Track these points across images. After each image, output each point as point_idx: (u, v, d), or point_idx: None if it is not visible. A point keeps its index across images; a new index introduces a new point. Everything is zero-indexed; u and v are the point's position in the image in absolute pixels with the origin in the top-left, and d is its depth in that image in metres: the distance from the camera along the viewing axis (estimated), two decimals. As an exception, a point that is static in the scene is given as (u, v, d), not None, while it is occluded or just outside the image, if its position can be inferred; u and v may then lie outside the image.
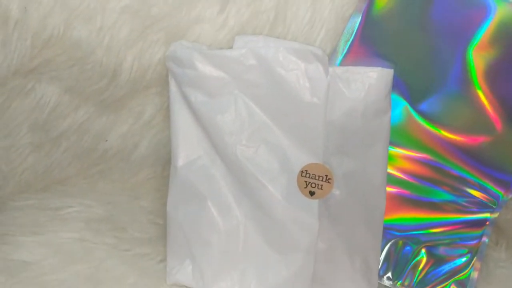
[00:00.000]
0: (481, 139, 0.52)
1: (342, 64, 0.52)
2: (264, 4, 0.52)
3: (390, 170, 0.54)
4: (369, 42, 0.52)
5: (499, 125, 0.52)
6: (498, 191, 0.54)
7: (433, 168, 0.54)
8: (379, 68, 0.49)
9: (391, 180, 0.54)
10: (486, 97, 0.51)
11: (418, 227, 0.55)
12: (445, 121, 0.52)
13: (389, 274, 0.56)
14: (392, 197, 0.55)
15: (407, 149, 0.54)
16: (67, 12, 0.50)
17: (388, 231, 0.55)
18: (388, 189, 0.54)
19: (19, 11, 0.49)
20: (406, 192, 0.55)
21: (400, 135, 0.53)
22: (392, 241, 0.56)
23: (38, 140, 0.58)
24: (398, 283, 0.55)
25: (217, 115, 0.50)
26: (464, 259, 0.55)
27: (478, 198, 0.54)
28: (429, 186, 0.54)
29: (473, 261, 0.55)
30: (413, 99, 0.53)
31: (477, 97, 0.51)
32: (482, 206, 0.54)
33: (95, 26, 0.51)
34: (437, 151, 0.53)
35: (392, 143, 0.53)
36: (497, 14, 0.50)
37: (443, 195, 0.54)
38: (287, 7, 0.53)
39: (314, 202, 0.50)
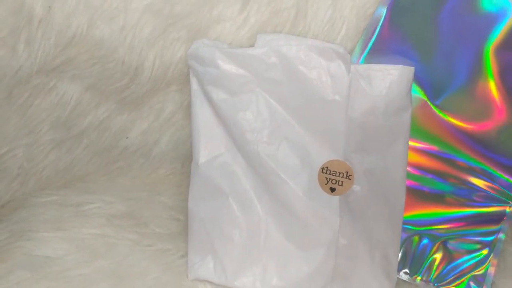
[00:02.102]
0: (490, 125, 0.52)
1: (365, 62, 0.52)
2: (284, 3, 0.53)
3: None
4: (392, 38, 0.52)
5: (507, 116, 0.52)
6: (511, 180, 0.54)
7: (440, 159, 0.54)
8: (401, 66, 0.48)
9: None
10: (498, 90, 0.52)
11: (433, 223, 0.55)
12: (455, 110, 0.53)
13: (407, 269, 0.56)
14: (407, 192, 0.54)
15: (415, 140, 0.54)
16: (91, 11, 0.51)
17: (405, 226, 0.55)
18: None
19: (43, 10, 0.50)
20: (415, 183, 0.55)
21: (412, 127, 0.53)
22: (409, 236, 0.56)
23: (60, 137, 0.58)
24: (417, 278, 0.56)
25: (239, 112, 0.50)
26: (481, 254, 0.55)
27: (489, 192, 0.54)
28: (435, 178, 0.55)
29: (490, 257, 0.55)
30: (430, 92, 0.53)
31: (488, 89, 0.52)
32: (496, 200, 0.54)
33: (118, 25, 0.52)
34: (445, 141, 0.53)
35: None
36: None
37: (453, 189, 0.55)
38: (307, 6, 0.53)
39: (334, 199, 0.50)
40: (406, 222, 0.55)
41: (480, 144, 0.53)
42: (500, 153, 0.53)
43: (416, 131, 0.54)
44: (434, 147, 0.54)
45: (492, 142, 0.53)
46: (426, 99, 0.53)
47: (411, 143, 0.53)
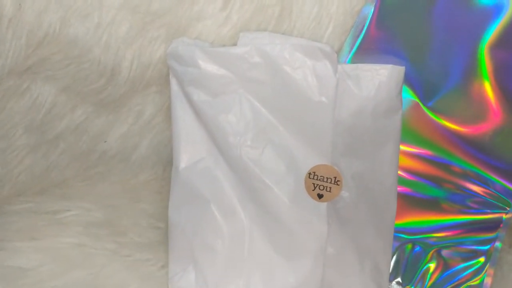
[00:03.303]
0: (484, 128, 0.52)
1: (352, 61, 0.52)
2: (268, -1, 0.52)
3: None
4: (383, 31, 0.51)
5: (503, 118, 0.51)
6: (509, 187, 0.53)
7: (433, 163, 0.53)
8: (390, 66, 0.48)
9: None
10: (495, 93, 0.51)
11: (426, 230, 0.55)
12: (449, 112, 0.52)
13: (399, 279, 0.55)
14: (399, 198, 0.53)
15: (407, 145, 0.53)
16: (63, 9, 0.49)
17: (397, 234, 0.55)
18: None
19: (13, 8, 0.48)
20: (408, 189, 0.54)
21: (404, 130, 0.52)
22: (401, 244, 0.55)
23: (35, 141, 0.57)
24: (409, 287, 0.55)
25: (221, 115, 0.49)
26: (477, 263, 0.54)
27: (485, 197, 0.53)
28: (429, 184, 0.54)
29: (486, 267, 0.54)
30: (422, 93, 0.52)
31: (485, 91, 0.51)
32: (492, 206, 0.54)
33: (93, 23, 0.50)
34: (440, 145, 0.53)
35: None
36: (510, 10, 0.49)
37: (448, 195, 0.54)
38: (292, 2, 0.52)
39: (322, 205, 0.49)
40: (398, 230, 0.54)
41: (474, 147, 0.52)
42: (495, 156, 0.52)
43: (409, 134, 0.53)
44: (427, 152, 0.53)
45: (487, 145, 0.52)
46: (418, 100, 0.52)
47: (404, 148, 0.53)
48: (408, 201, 0.54)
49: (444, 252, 0.55)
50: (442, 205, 0.54)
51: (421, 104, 0.52)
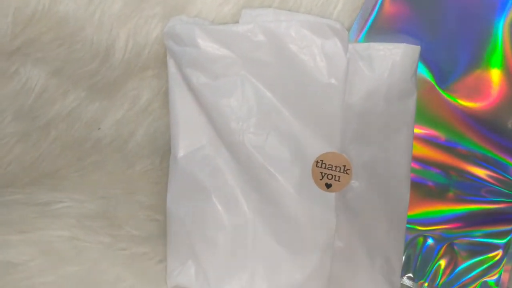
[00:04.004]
0: (500, 106, 0.51)
1: (364, 40, 0.51)
2: (273, -26, 0.52)
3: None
4: (395, 14, 0.51)
5: None
6: None
7: (443, 148, 0.52)
8: (405, 44, 0.47)
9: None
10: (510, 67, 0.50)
11: (439, 222, 0.54)
12: (463, 91, 0.51)
13: (410, 274, 0.55)
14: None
15: (416, 126, 0.52)
16: None
17: (408, 225, 0.53)
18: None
19: None
20: (416, 176, 0.53)
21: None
22: (413, 237, 0.54)
23: (24, 128, 0.57)
24: (425, 283, 0.54)
25: (222, 99, 0.48)
26: (493, 258, 0.53)
27: (493, 184, 0.52)
28: (437, 171, 0.53)
29: (503, 261, 0.53)
30: (438, 73, 0.51)
31: (500, 66, 0.50)
32: (503, 195, 0.53)
33: None
34: (450, 124, 0.52)
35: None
36: None
37: (455, 183, 0.53)
38: None
39: (330, 196, 0.47)
40: (409, 221, 0.53)
41: (489, 129, 0.51)
42: (509, 138, 0.51)
43: (419, 115, 0.51)
44: (436, 133, 0.52)
45: (503, 126, 0.51)
46: (433, 81, 0.51)
47: (423, 132, 0.52)
48: (418, 191, 0.54)
49: (458, 246, 0.54)
50: (452, 194, 0.53)
51: (435, 84, 0.51)
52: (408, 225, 0.53)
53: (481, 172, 0.52)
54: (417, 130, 0.52)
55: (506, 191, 0.52)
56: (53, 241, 0.52)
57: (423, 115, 0.52)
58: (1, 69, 0.52)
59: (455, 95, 0.51)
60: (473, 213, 0.53)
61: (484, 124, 0.51)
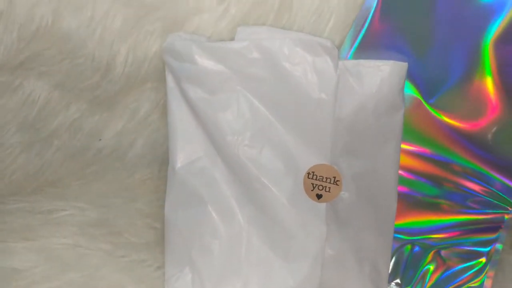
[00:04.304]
0: (486, 124, 0.51)
1: (353, 57, 0.51)
2: (268, -8, 0.52)
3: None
4: (383, 32, 0.51)
5: (505, 114, 0.51)
6: (510, 185, 0.52)
7: (434, 162, 0.52)
8: (393, 61, 0.48)
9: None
10: (496, 86, 0.50)
11: (426, 231, 0.54)
12: (450, 108, 0.51)
13: (398, 280, 0.55)
14: (398, 198, 0.53)
15: (406, 143, 0.52)
16: (55, 2, 0.49)
17: (396, 235, 0.54)
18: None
19: (3, 2, 0.48)
20: (407, 189, 0.54)
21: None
22: (400, 245, 0.55)
23: (28, 139, 0.57)
24: None
25: (218, 113, 0.49)
26: (477, 265, 0.54)
27: (485, 196, 0.53)
28: (429, 183, 0.53)
29: (486, 268, 0.54)
30: (424, 89, 0.51)
31: (486, 85, 0.50)
32: (492, 206, 0.53)
33: (86, 16, 0.50)
34: (440, 143, 0.52)
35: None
36: None
37: (446, 194, 0.53)
38: None
39: (321, 206, 0.48)
40: (397, 230, 0.54)
41: (475, 144, 0.52)
42: (495, 154, 0.52)
43: (408, 132, 0.52)
44: (427, 150, 0.52)
45: (488, 142, 0.51)
46: (419, 97, 0.51)
47: (403, 146, 0.52)
48: (407, 201, 0.54)
49: (444, 253, 0.54)
50: (441, 205, 0.53)
51: (422, 101, 0.51)
52: (396, 234, 0.53)
53: (475, 187, 0.53)
54: (409, 147, 0.52)
55: (494, 201, 0.53)
56: (56, 248, 0.53)
57: (417, 135, 0.52)
58: (6, 83, 0.53)
59: (442, 112, 0.51)
60: (460, 223, 0.53)
61: (471, 140, 0.51)
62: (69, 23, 0.50)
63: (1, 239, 0.53)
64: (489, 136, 0.51)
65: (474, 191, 0.53)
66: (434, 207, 0.54)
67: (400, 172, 0.52)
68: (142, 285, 0.51)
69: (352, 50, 0.51)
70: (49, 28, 0.50)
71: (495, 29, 0.49)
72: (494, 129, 0.51)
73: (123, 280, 0.51)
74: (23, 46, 0.50)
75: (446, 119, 0.51)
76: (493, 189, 0.52)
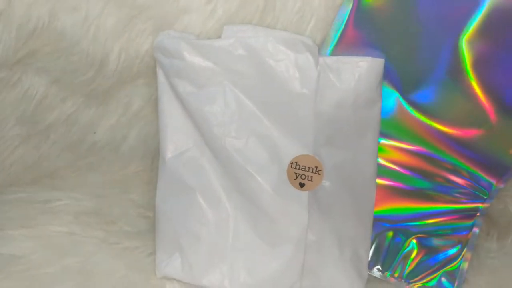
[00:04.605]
0: (473, 132, 0.52)
1: (332, 54, 0.52)
2: (253, -7, 0.52)
3: (383, 162, 0.54)
4: (360, 31, 0.51)
5: (492, 115, 0.51)
6: (490, 181, 0.54)
7: (426, 159, 0.54)
8: (370, 58, 0.49)
9: (384, 171, 0.55)
10: (479, 87, 0.51)
11: (408, 218, 0.55)
12: (437, 113, 0.52)
13: (379, 265, 0.56)
14: (383, 188, 0.55)
15: (401, 141, 0.53)
16: (51, 2, 0.50)
17: (378, 222, 0.55)
18: (380, 181, 0.54)
19: (3, 2, 0.49)
20: (398, 183, 0.55)
21: (393, 127, 0.53)
22: (382, 232, 0.56)
23: (26, 132, 0.57)
24: (388, 274, 0.56)
25: (206, 106, 0.50)
26: (454, 249, 0.55)
27: (469, 189, 0.54)
28: (421, 178, 0.54)
29: (463, 252, 0.55)
30: (405, 90, 0.52)
31: (470, 87, 0.51)
32: (473, 197, 0.54)
33: (80, 16, 0.51)
34: (430, 142, 0.53)
35: (386, 135, 0.53)
36: (489, 4, 0.49)
37: (436, 187, 0.54)
38: None
39: (304, 194, 0.50)
40: (379, 217, 0.55)
41: (463, 146, 0.53)
42: (484, 157, 0.53)
43: (404, 133, 0.53)
44: (422, 148, 0.53)
45: (475, 144, 0.53)
46: (401, 100, 0.52)
47: (401, 145, 0.53)
48: (390, 191, 0.55)
49: (423, 239, 0.55)
50: (426, 195, 0.55)
51: (401, 99, 0.52)
52: (377, 221, 0.54)
53: (462, 182, 0.54)
54: (406, 146, 0.53)
55: (474, 192, 0.54)
56: (52, 235, 0.54)
57: (409, 134, 0.53)
58: (5, 78, 0.53)
59: (429, 117, 0.52)
60: (440, 212, 0.55)
61: (458, 143, 0.52)
62: (65, 22, 0.51)
63: (0, 227, 0.54)
64: (475, 139, 0.52)
65: (461, 185, 0.54)
66: (418, 197, 0.55)
67: (397, 168, 0.54)
68: (135, 270, 0.52)
69: (330, 46, 0.52)
70: (45, 28, 0.50)
71: (470, 28, 0.50)
72: (479, 131, 0.52)
73: (116, 265, 0.52)
74: (21, 44, 0.51)
75: (435, 125, 0.52)
76: (476, 184, 0.54)
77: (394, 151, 0.54)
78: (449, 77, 0.51)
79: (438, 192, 0.54)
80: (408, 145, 0.53)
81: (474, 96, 0.51)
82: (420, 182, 0.54)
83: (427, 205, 0.55)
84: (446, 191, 0.54)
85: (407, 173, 0.54)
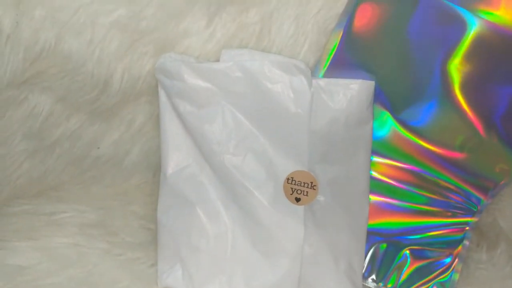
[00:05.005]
0: (460, 154, 0.53)
1: (325, 75, 0.53)
2: (249, 18, 0.53)
3: (377, 176, 0.55)
4: (351, 54, 0.52)
5: (479, 134, 0.52)
6: (479, 196, 0.55)
7: (420, 176, 0.54)
8: (360, 80, 0.50)
9: (378, 186, 0.55)
10: (467, 108, 0.52)
11: (401, 231, 0.56)
12: (426, 133, 0.53)
13: (374, 276, 0.56)
14: (377, 203, 0.55)
15: (394, 160, 0.54)
16: (58, 27, 0.50)
17: (372, 235, 0.56)
18: (374, 197, 0.55)
19: (11, 26, 0.49)
20: (391, 199, 0.55)
21: (386, 147, 0.54)
22: (376, 244, 0.56)
23: (33, 147, 0.58)
24: (382, 284, 0.56)
25: (205, 124, 0.51)
26: (446, 261, 0.56)
27: (461, 203, 0.55)
28: (415, 192, 0.55)
29: (454, 263, 0.55)
30: (395, 110, 0.53)
31: (458, 108, 0.52)
32: (465, 211, 0.55)
33: (86, 39, 0.51)
34: (421, 161, 0.54)
35: (379, 154, 0.54)
36: (475, 30, 0.50)
37: (429, 201, 0.55)
38: (271, 21, 0.53)
39: (299, 208, 0.50)
40: (374, 231, 0.56)
41: (453, 165, 0.54)
42: (473, 174, 0.54)
43: (398, 153, 0.54)
44: (414, 167, 0.54)
45: (465, 164, 0.53)
46: (395, 124, 0.53)
47: (396, 164, 0.54)
48: (383, 205, 0.55)
49: (416, 251, 0.56)
50: (419, 209, 0.55)
51: (392, 121, 0.53)
52: (371, 234, 0.55)
53: (454, 196, 0.55)
54: (401, 165, 0.54)
55: (468, 207, 0.55)
56: (57, 247, 0.54)
57: (403, 154, 0.54)
58: (12, 96, 0.54)
59: (412, 133, 0.53)
60: (432, 225, 0.55)
61: (450, 163, 0.53)
62: (70, 45, 0.51)
63: (7, 238, 0.54)
64: (462, 159, 0.53)
65: (454, 199, 0.55)
66: (411, 212, 0.55)
67: (395, 183, 0.54)
68: (137, 281, 0.53)
69: (323, 69, 0.53)
70: (52, 50, 0.51)
71: (456, 53, 0.51)
72: (467, 154, 0.53)
73: (119, 276, 0.52)
74: (28, 65, 0.51)
75: (424, 144, 0.53)
76: (466, 199, 0.55)
77: (388, 168, 0.55)
78: (436, 98, 0.52)
79: (432, 207, 0.55)
80: (401, 163, 0.54)
81: (462, 116, 0.52)
82: (414, 196, 0.55)
83: (420, 219, 0.55)
84: (441, 205, 0.55)
85: (400, 186, 0.55)
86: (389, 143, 0.54)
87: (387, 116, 0.53)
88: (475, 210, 0.55)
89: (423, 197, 0.55)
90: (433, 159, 0.53)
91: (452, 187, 0.54)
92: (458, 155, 0.53)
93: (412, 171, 0.54)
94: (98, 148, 0.60)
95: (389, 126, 0.53)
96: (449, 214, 0.55)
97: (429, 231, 0.55)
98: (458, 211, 0.55)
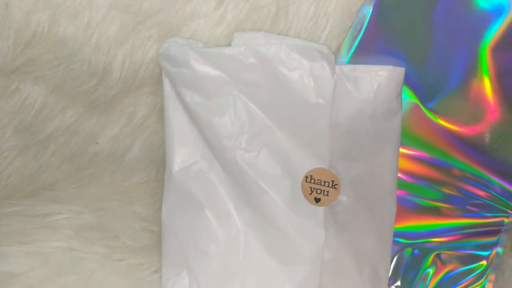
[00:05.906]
0: (484, 129, 0.52)
1: (350, 62, 0.51)
2: (264, -1, 0.52)
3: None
4: (380, 37, 0.51)
5: (503, 119, 0.51)
6: (510, 189, 0.53)
7: (434, 166, 0.53)
8: (390, 67, 0.48)
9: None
10: (494, 92, 0.51)
11: (426, 235, 0.55)
12: (449, 113, 0.52)
13: (398, 283, 0.55)
14: (398, 202, 0.54)
15: (406, 147, 0.53)
16: (52, 8, 0.49)
17: (395, 238, 0.55)
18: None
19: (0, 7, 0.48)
20: (406, 193, 0.54)
21: (405, 135, 0.53)
22: (400, 248, 0.55)
23: (24, 143, 0.57)
24: None
25: (215, 117, 0.49)
26: (478, 268, 0.54)
27: (484, 199, 0.53)
28: (429, 186, 0.54)
29: (487, 272, 0.54)
30: (422, 94, 0.52)
31: (484, 91, 0.51)
32: (494, 210, 0.54)
33: (82, 22, 0.50)
34: (439, 147, 0.52)
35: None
36: (511, 12, 0.49)
37: (445, 197, 0.54)
38: (288, 2, 0.52)
39: (319, 210, 0.49)
40: (397, 234, 0.54)
41: (474, 149, 0.52)
42: (494, 158, 0.52)
43: (407, 137, 0.52)
44: (426, 154, 0.53)
45: (487, 147, 0.52)
46: (418, 102, 0.52)
47: (402, 150, 0.53)
48: (407, 205, 0.54)
49: (444, 256, 0.55)
50: (441, 208, 0.54)
51: (421, 106, 0.52)
52: (395, 238, 0.54)
53: (471, 188, 0.53)
54: (408, 151, 0.53)
55: (494, 204, 0.53)
56: (51, 252, 0.53)
57: (416, 140, 0.53)
58: (2, 87, 0.53)
59: (440, 116, 0.52)
60: (460, 227, 0.54)
61: (469, 145, 0.52)
62: (66, 29, 0.50)
63: None
64: (488, 140, 0.52)
65: (474, 194, 0.53)
66: (434, 211, 0.54)
67: (400, 175, 0.53)
68: None
69: (349, 55, 0.52)
70: (45, 34, 0.50)
71: (493, 35, 0.50)
72: (493, 133, 0.52)
73: (119, 283, 0.52)
74: (19, 52, 0.50)
75: (445, 124, 0.52)
76: (493, 193, 0.53)
77: (399, 158, 0.53)
78: (463, 81, 0.51)
79: (451, 205, 0.54)
80: (413, 151, 0.53)
81: (488, 101, 0.51)
82: (429, 191, 0.54)
83: (444, 220, 0.54)
84: (459, 203, 0.54)
85: (411, 180, 0.54)
86: (406, 126, 0.52)
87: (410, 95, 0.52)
88: (509, 208, 0.53)
89: (438, 193, 0.54)
90: (453, 142, 0.52)
91: (473, 178, 0.53)
92: (479, 135, 0.52)
93: (426, 160, 0.53)
94: (96, 143, 0.59)
95: (404, 106, 0.52)
96: (474, 212, 0.54)
97: (455, 236, 0.54)
98: (486, 210, 0.54)
